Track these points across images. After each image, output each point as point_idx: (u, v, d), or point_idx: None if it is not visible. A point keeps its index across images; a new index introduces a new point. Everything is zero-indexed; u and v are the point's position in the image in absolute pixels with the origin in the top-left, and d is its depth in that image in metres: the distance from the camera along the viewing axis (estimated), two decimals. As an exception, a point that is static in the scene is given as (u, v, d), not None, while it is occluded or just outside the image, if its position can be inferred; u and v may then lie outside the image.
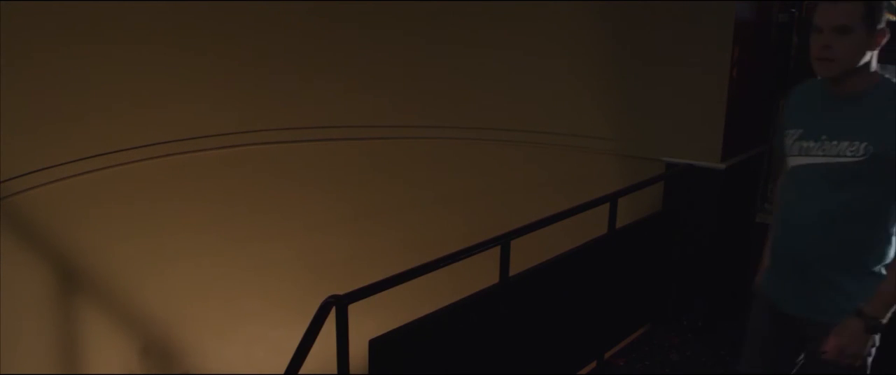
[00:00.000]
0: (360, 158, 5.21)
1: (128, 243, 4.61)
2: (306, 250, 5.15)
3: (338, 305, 2.60)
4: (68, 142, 4.34)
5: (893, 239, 2.29)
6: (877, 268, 2.29)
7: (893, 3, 4.52)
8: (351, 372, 2.69)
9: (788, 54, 4.65)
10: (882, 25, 2.19)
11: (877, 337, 2.24)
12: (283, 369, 2.53)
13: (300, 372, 2.59)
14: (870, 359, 2.29)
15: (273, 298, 5.10)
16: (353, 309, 2.63)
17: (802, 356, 2.48)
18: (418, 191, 5.24)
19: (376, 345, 2.77)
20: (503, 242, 3.20)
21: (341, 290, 2.67)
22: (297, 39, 4.93)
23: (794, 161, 2.39)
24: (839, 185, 2.26)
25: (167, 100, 4.67)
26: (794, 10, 4.70)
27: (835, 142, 2.26)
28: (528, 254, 3.42)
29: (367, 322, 2.86)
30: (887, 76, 2.26)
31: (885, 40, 2.21)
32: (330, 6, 4.89)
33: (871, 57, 2.22)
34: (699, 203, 4.40)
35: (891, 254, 2.28)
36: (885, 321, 2.20)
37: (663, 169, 4.43)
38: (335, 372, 2.68)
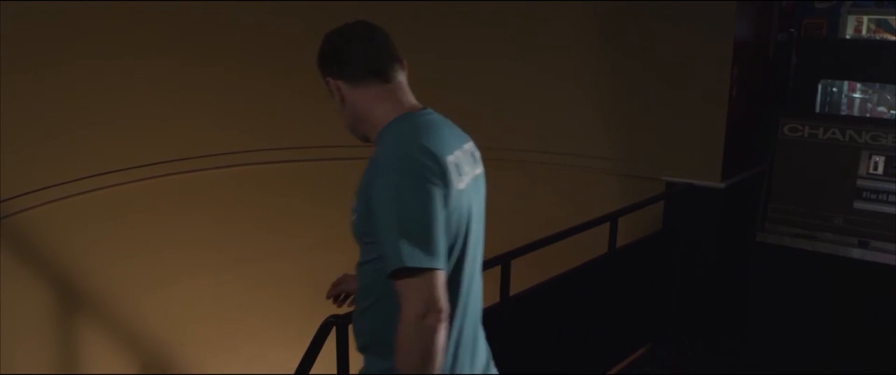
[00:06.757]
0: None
1: (127, 262, 4.59)
2: (306, 269, 5.12)
3: (338, 325, 2.60)
4: (67, 162, 4.33)
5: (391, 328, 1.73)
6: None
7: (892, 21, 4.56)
8: (351, 393, 2.67)
9: (787, 73, 4.67)
10: (331, 77, 1.98)
11: None
12: (282, 390, 2.51)
13: (300, 393, 2.57)
14: None
15: (273, 318, 5.08)
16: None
17: None
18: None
19: (376, 366, 2.76)
20: (504, 262, 3.19)
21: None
22: (303, 57, 4.91)
23: None
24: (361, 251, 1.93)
25: (167, 118, 4.67)
26: (792, 29, 4.74)
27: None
28: (528, 274, 3.41)
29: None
30: (399, 121, 1.98)
31: (340, 90, 1.98)
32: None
33: (372, 106, 2.00)
34: (699, 222, 4.40)
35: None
36: None
37: (664, 188, 4.44)
38: (335, 393, 2.67)
